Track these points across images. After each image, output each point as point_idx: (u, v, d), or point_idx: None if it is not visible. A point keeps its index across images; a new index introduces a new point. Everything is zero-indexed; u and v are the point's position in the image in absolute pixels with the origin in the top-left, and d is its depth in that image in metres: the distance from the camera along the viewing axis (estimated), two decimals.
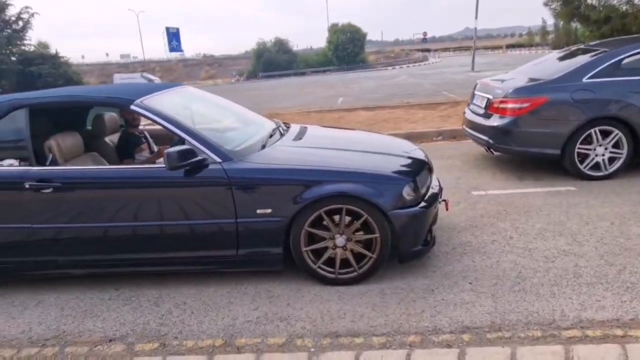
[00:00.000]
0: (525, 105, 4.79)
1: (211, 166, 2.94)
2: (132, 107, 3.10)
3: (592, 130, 4.66)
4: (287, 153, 3.27)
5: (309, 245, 3.01)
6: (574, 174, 4.83)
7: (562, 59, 5.60)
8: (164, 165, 2.84)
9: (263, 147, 3.28)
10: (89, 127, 4.13)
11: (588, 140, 4.71)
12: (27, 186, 2.99)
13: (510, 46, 70.08)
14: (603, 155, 4.73)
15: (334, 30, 52.80)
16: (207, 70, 59.64)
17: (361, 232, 3.04)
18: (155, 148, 4.11)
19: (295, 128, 3.94)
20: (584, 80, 4.70)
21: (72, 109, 3.94)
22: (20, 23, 43.28)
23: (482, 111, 5.42)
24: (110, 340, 2.66)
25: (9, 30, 41.24)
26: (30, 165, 3.08)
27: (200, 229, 3.02)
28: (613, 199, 4.24)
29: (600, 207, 4.05)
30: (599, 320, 2.48)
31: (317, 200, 2.88)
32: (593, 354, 2.22)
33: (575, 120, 4.67)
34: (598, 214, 3.91)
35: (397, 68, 43.22)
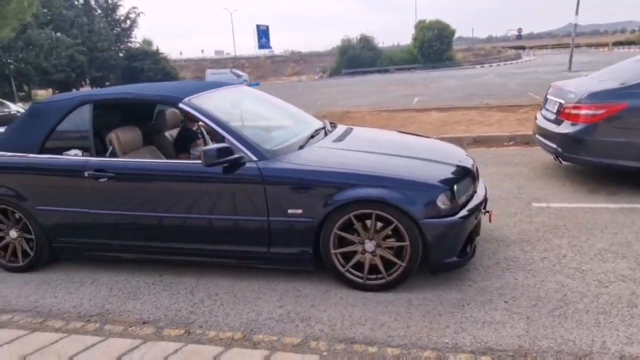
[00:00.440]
0: (601, 111, 4.36)
1: (247, 164, 3.03)
2: (181, 105, 3.28)
3: None
4: (323, 154, 3.27)
5: (339, 248, 3.00)
6: None
7: None
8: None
9: (301, 147, 3.31)
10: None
11: None
12: (86, 175, 3.30)
13: (618, 43, 63.33)
14: None
15: (421, 27, 51.53)
16: (293, 66, 61.13)
17: (392, 239, 2.96)
18: (211, 143, 4.31)
19: (340, 129, 3.92)
20: None
21: (138, 105, 4.25)
22: (128, 22, 47.45)
23: (553, 117, 5.01)
24: (144, 323, 2.85)
25: (118, 29, 45.39)
26: (91, 155, 3.39)
27: (234, 224, 3.13)
28: None
29: None
30: None
31: (346, 204, 2.86)
32: None
33: None
34: None
35: (485, 66, 41.18)
